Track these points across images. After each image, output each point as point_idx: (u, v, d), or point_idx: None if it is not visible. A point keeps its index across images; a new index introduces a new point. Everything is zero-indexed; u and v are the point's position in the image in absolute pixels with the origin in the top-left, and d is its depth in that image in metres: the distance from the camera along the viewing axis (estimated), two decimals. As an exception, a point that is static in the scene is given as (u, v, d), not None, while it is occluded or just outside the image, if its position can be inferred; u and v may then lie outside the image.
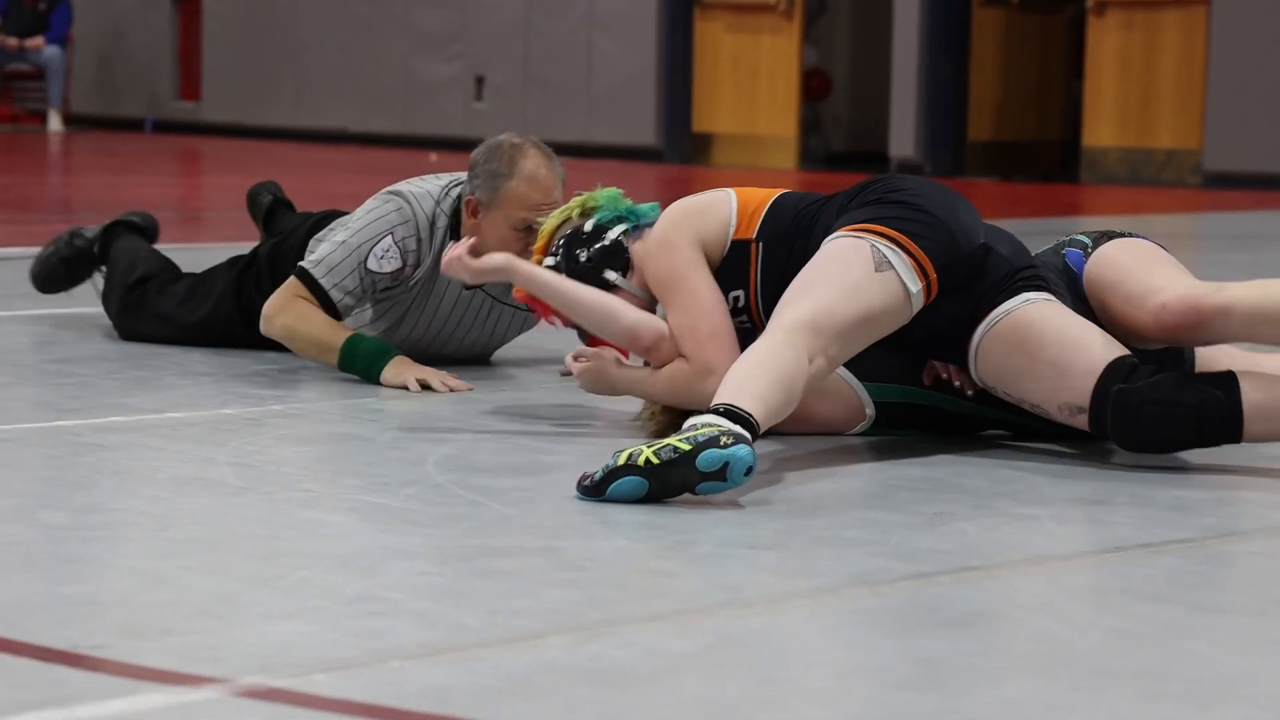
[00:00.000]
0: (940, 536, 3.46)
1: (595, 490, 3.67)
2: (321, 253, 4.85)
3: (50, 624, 2.78)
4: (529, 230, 4.77)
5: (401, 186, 4.93)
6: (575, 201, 4.43)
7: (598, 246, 4.32)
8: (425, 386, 4.73)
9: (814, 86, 17.27)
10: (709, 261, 4.24)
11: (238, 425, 4.34)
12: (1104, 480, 3.95)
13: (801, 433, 4.29)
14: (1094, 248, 4.35)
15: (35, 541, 3.25)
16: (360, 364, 4.75)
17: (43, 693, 2.49)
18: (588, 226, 4.37)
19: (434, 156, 16.07)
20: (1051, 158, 16.40)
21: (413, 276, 4.91)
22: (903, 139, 15.56)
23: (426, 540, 3.37)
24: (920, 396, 4.30)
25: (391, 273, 4.87)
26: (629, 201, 4.42)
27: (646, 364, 4.31)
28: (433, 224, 4.89)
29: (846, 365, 4.26)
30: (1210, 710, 2.53)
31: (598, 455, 4.10)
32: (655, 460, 3.64)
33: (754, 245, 4.24)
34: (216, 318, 5.24)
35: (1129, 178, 14.86)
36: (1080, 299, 4.29)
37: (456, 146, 17.21)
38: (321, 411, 4.51)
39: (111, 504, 3.57)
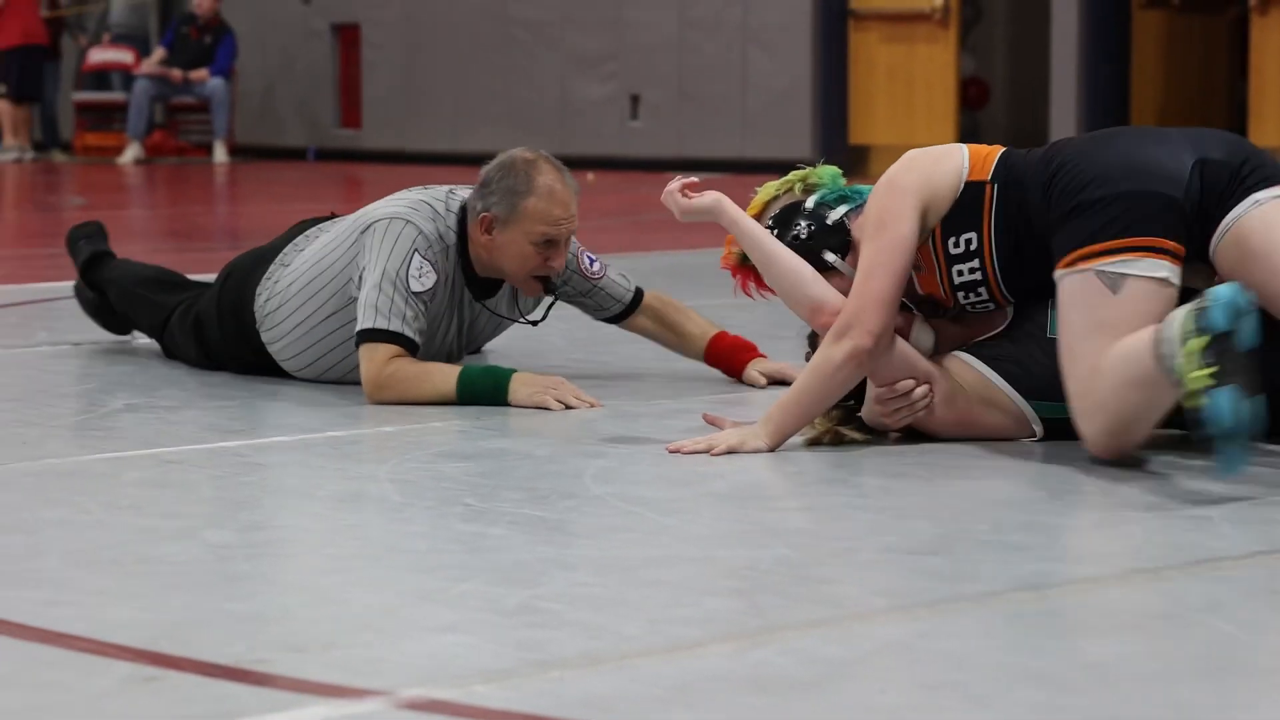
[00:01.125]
0: (1107, 539, 3.40)
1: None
2: (371, 301, 4.75)
3: (215, 640, 2.80)
4: (547, 244, 4.78)
5: (394, 211, 4.83)
6: (795, 175, 4.40)
7: (820, 223, 4.28)
8: (565, 405, 4.69)
9: (972, 95, 17.13)
10: (939, 206, 4.16)
11: (398, 442, 4.36)
12: (1275, 482, 3.85)
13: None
14: None
15: (200, 560, 3.28)
16: (485, 395, 4.69)
17: (208, 706, 2.51)
18: (810, 202, 4.33)
19: (591, 176, 16.12)
20: (1216, 160, 16.14)
21: (435, 289, 4.86)
22: (1063, 145, 15.39)
23: (586, 551, 3.37)
24: None
25: (431, 288, 4.80)
26: (846, 181, 4.39)
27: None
28: (443, 240, 4.85)
29: (1012, 383, 4.19)
30: (1390, 709, 2.46)
31: (754, 465, 4.08)
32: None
33: (989, 187, 4.17)
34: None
35: (1297, 178, 14.60)
36: None
37: (613, 165, 17.27)
38: (482, 428, 4.52)
39: (274, 521, 3.60)
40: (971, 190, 4.18)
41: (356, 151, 18.73)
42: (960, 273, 4.21)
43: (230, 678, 2.62)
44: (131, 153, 17.63)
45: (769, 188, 4.44)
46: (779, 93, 16.56)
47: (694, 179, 4.40)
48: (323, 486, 3.91)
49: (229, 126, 18.08)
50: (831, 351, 4.10)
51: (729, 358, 5.22)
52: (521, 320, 5.08)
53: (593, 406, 4.70)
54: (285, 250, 5.08)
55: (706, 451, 4.14)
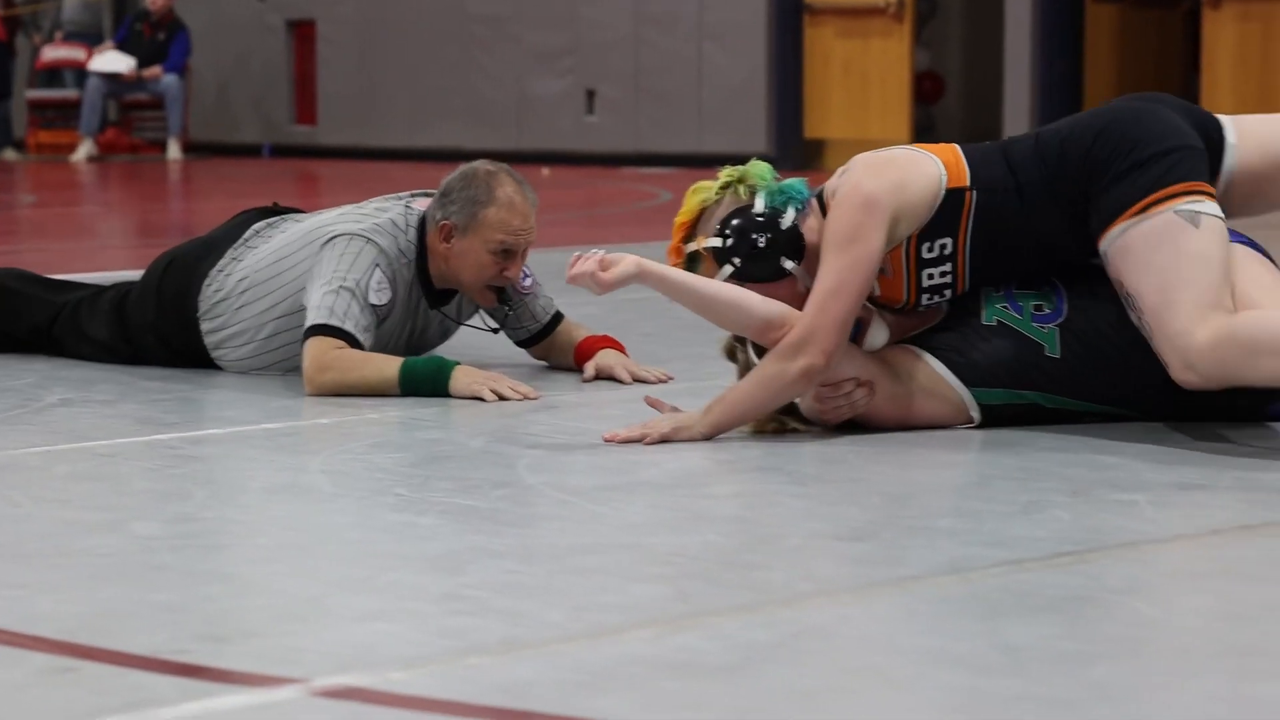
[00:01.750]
0: (1034, 524, 3.41)
1: None
2: (325, 304, 4.78)
3: (136, 631, 2.79)
4: (505, 254, 4.85)
5: (357, 228, 4.87)
6: (729, 174, 4.26)
7: (775, 231, 4.18)
8: (499, 396, 4.70)
9: (927, 89, 17.17)
10: (915, 216, 4.14)
11: (333, 434, 4.36)
12: (1208, 465, 3.88)
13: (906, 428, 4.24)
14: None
15: (126, 552, 3.27)
16: (425, 385, 4.71)
17: (123, 697, 2.50)
18: (759, 206, 4.20)
19: (546, 171, 16.11)
20: (1169, 153, 16.20)
21: (391, 305, 4.91)
22: (1017, 138, 15.43)
23: (514, 540, 3.37)
24: (1023, 398, 4.22)
25: (388, 303, 4.88)
26: (778, 177, 4.28)
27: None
28: (403, 255, 4.91)
29: (954, 370, 4.20)
30: (1302, 688, 2.48)
31: (688, 454, 4.08)
32: None
33: (969, 193, 4.17)
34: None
35: (1248, 170, 14.67)
36: None
37: (570, 160, 17.26)
38: (417, 419, 4.52)
39: (204, 513, 3.59)
40: (952, 197, 4.17)
41: (313, 148, 18.69)
42: (930, 276, 4.22)
43: (148, 668, 2.61)
44: (85, 150, 17.56)
45: (700, 192, 4.29)
46: (735, 88, 16.57)
47: (602, 254, 4.19)
48: (255, 478, 3.90)
49: (183, 123, 18.02)
50: (786, 367, 4.08)
51: (590, 347, 5.18)
52: (483, 328, 5.12)
53: (526, 398, 4.70)
54: (237, 245, 5.11)
55: (640, 440, 4.13)
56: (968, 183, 4.18)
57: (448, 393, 4.72)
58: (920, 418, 4.25)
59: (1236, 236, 4.23)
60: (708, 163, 16.70)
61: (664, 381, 5.00)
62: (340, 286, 4.80)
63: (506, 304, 5.05)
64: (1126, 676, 2.54)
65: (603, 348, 5.18)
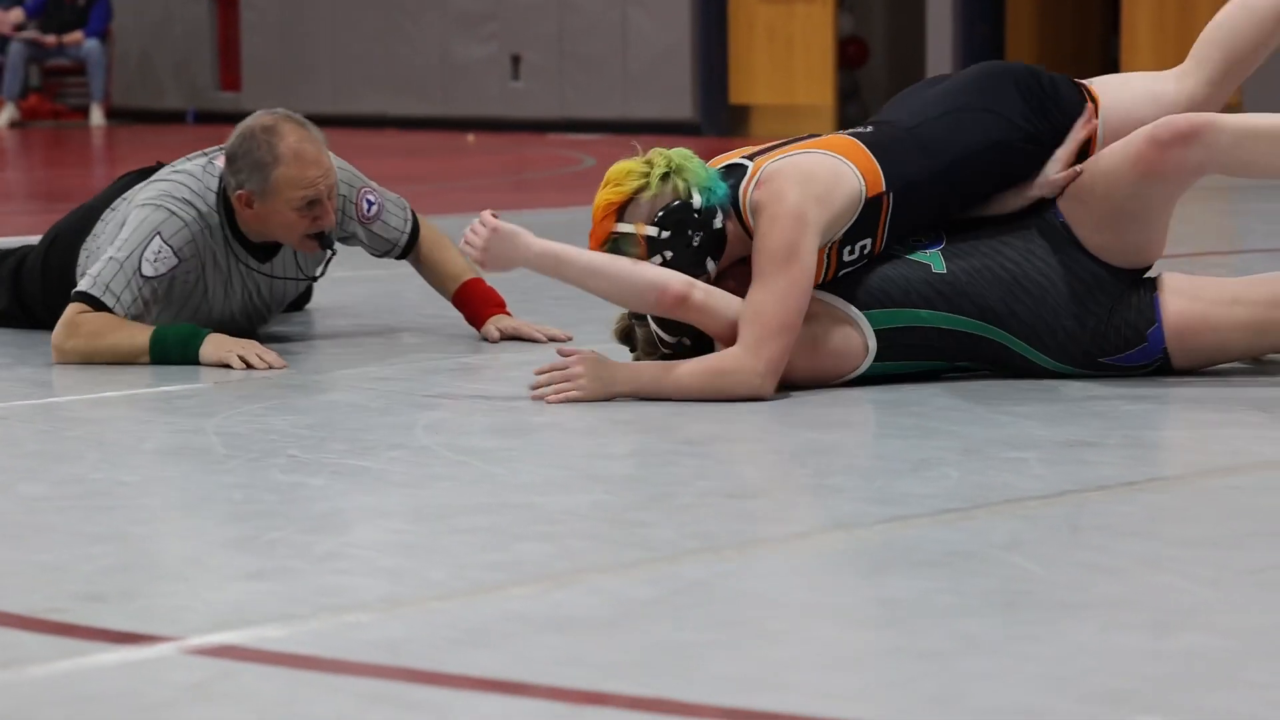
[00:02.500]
0: (924, 481, 3.43)
1: None
2: (94, 271, 4.67)
3: (14, 591, 2.77)
4: (310, 205, 4.66)
5: (152, 196, 4.74)
6: (664, 163, 4.20)
7: (709, 231, 4.18)
8: (247, 364, 4.57)
9: (851, 54, 17.18)
10: (837, 225, 4.19)
11: (230, 396, 4.34)
12: (1099, 423, 3.90)
13: (807, 376, 4.23)
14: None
15: (11, 513, 3.25)
16: (175, 352, 4.59)
17: (-4, 655, 2.49)
18: (697, 203, 4.19)
19: (471, 137, 16.06)
20: (1091, 117, 16.28)
21: (198, 273, 4.76)
22: (940, 103, 15.46)
23: (404, 500, 3.36)
24: (915, 317, 4.25)
25: (169, 272, 4.69)
26: (705, 168, 4.25)
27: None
28: (203, 220, 4.73)
29: (845, 296, 4.23)
30: (1168, 638, 2.50)
31: (589, 414, 4.08)
32: None
33: (885, 197, 4.25)
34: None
35: (1168, 134, 14.74)
36: (1043, 217, 4.32)
37: (496, 127, 17.22)
38: (317, 382, 4.51)
39: (93, 475, 3.57)
40: (871, 205, 4.24)
41: (237, 114, 18.53)
42: (846, 267, 4.29)
43: (22, 627, 2.60)
44: (6, 115, 17.41)
45: (633, 176, 4.21)
46: (660, 53, 16.56)
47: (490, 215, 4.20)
48: (147, 440, 3.88)
49: (106, 89, 17.88)
50: (743, 364, 4.10)
51: (474, 307, 5.13)
52: (303, 278, 4.98)
53: (271, 367, 4.55)
54: (104, 214, 4.99)
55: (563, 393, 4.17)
56: (884, 187, 4.25)
57: (197, 360, 4.58)
58: (822, 352, 4.23)
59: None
60: (634, 129, 16.68)
61: (569, 339, 4.98)
62: (110, 257, 4.66)
63: (330, 247, 4.84)
64: (999, 628, 2.56)
65: (491, 309, 5.10)
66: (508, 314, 5.14)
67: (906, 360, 4.28)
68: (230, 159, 4.68)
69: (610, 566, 2.90)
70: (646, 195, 4.21)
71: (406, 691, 2.36)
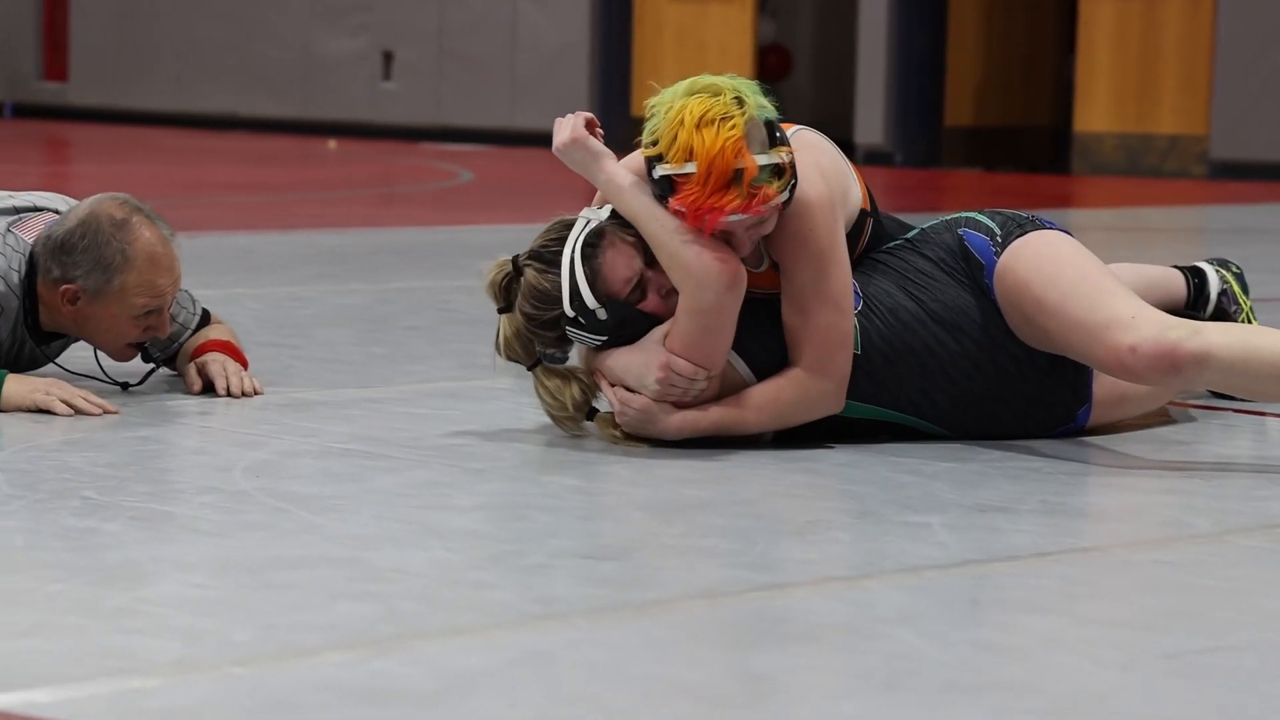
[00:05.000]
0: (809, 546, 3.46)
1: None
2: None
3: None
4: (149, 314, 4.60)
5: None
6: (726, 88, 4.10)
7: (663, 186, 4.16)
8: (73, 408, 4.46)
9: (771, 64, 17.30)
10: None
11: (24, 429, 4.32)
12: (1015, 485, 3.95)
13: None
14: (1003, 239, 4.36)
15: None
16: None
17: None
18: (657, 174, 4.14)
19: (333, 143, 16.07)
20: (1040, 145, 16.45)
21: None
22: (870, 124, 15.58)
23: (211, 551, 3.36)
24: None
25: None
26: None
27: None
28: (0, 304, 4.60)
29: (756, 372, 4.26)
30: (1065, 727, 2.53)
31: (433, 461, 4.09)
32: None
33: (869, 219, 4.38)
34: None
35: (1127, 167, 14.91)
36: (980, 291, 4.32)
37: (361, 132, 17.22)
38: (126, 413, 4.49)
39: None
40: (860, 220, 4.35)
41: (63, 108, 18.50)
42: None
43: None
44: None
45: (723, 105, 4.06)
46: (553, 54, 16.62)
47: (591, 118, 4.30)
48: (-81, 474, 3.86)
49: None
50: (814, 386, 4.19)
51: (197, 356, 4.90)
52: (107, 380, 4.82)
53: (107, 413, 4.48)
54: None
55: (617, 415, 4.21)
56: (869, 207, 4.38)
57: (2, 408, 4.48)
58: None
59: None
60: (521, 140, 16.74)
61: (254, 395, 4.76)
62: None
63: (151, 359, 4.79)
64: (877, 711, 2.58)
65: (214, 350, 4.86)
66: (235, 354, 4.89)
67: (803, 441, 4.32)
68: (64, 247, 4.56)
69: (440, 632, 2.91)
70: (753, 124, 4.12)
71: (190, 767, 2.36)
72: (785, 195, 4.09)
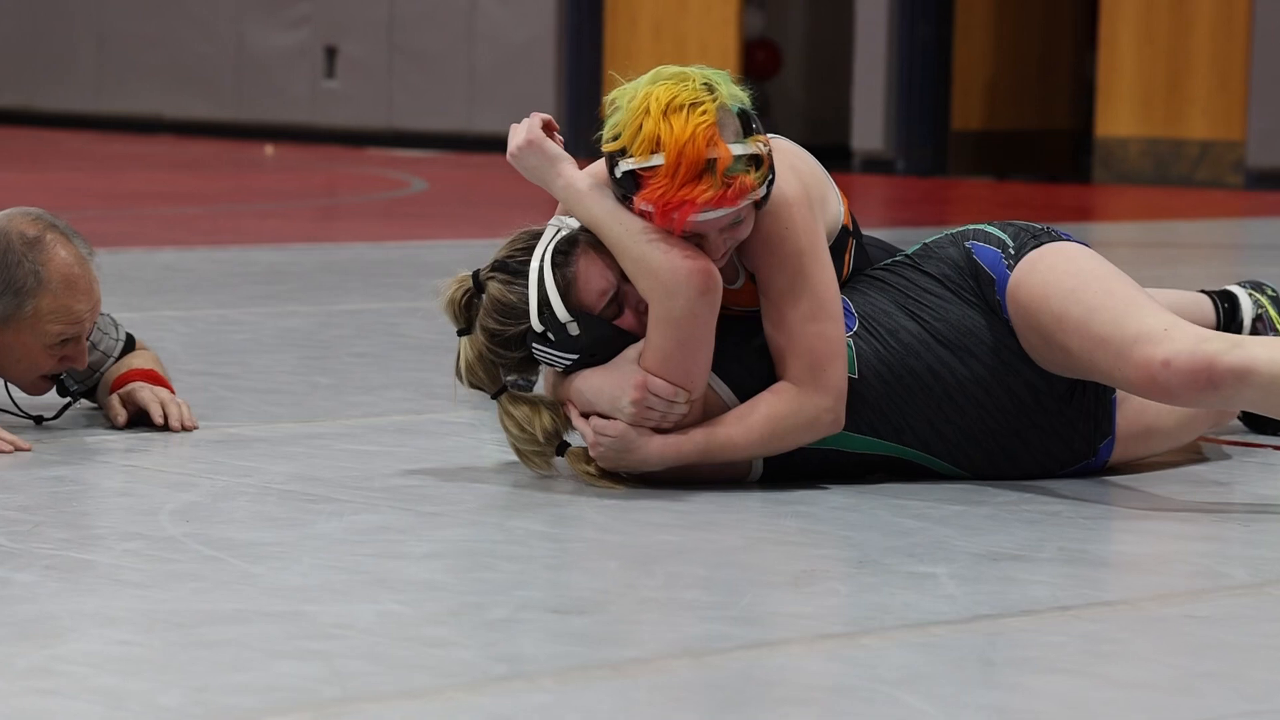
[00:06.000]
0: (803, 598, 3.46)
1: None
2: None
3: None
4: (65, 343, 4.61)
5: None
6: (695, 77, 4.13)
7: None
8: None
9: (759, 60, 17.36)
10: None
11: (-75, 466, 4.33)
12: (1031, 530, 3.96)
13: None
14: (1016, 252, 4.37)
15: None
16: None
17: None
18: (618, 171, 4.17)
19: (270, 150, 16.08)
20: (1058, 151, 16.51)
21: None
22: (868, 127, 15.63)
23: (136, 603, 3.36)
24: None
25: None
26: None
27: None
28: None
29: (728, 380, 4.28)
30: (1088, 801, 2.53)
31: (383, 504, 4.09)
32: None
33: (851, 240, 4.42)
34: None
35: (1154, 176, 14.97)
36: (991, 310, 4.33)
37: (301, 137, 17.24)
38: (39, 455, 4.50)
39: None
40: (842, 238, 4.37)
41: (-32, 110, 18.50)
42: None
43: None
44: None
45: (692, 91, 4.10)
46: (516, 49, 16.65)
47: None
48: None
49: None
50: (807, 403, 4.21)
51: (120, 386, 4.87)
52: (19, 414, 4.82)
53: (18, 450, 4.48)
54: None
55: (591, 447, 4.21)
56: (851, 226, 4.41)
57: None
58: (707, 467, 4.28)
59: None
60: (480, 145, 16.77)
61: (192, 429, 4.78)
62: None
63: (68, 393, 4.82)
64: (879, 785, 2.58)
65: (138, 380, 4.84)
66: (160, 382, 4.88)
67: (800, 475, 4.33)
68: None
69: (391, 695, 2.91)
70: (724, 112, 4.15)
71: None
72: (764, 190, 4.11)
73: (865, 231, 4.59)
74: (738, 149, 4.07)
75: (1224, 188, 14.72)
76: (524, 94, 16.36)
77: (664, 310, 4.13)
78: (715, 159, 4.05)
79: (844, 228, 4.38)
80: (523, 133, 4.27)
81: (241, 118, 17.40)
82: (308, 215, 12.09)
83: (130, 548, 3.72)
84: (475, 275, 4.29)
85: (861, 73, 15.67)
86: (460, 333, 4.30)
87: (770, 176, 4.12)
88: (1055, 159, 16.41)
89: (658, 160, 4.07)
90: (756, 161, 4.10)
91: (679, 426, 4.20)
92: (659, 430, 4.19)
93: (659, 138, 4.07)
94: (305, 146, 16.91)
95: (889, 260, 4.49)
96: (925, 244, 4.51)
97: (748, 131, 4.11)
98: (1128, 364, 4.18)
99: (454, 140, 16.67)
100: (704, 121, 4.06)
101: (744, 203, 4.09)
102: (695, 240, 4.13)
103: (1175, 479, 4.48)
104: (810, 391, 4.21)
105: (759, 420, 4.21)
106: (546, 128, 4.30)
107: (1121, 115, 15.09)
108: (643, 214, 4.13)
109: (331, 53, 17.23)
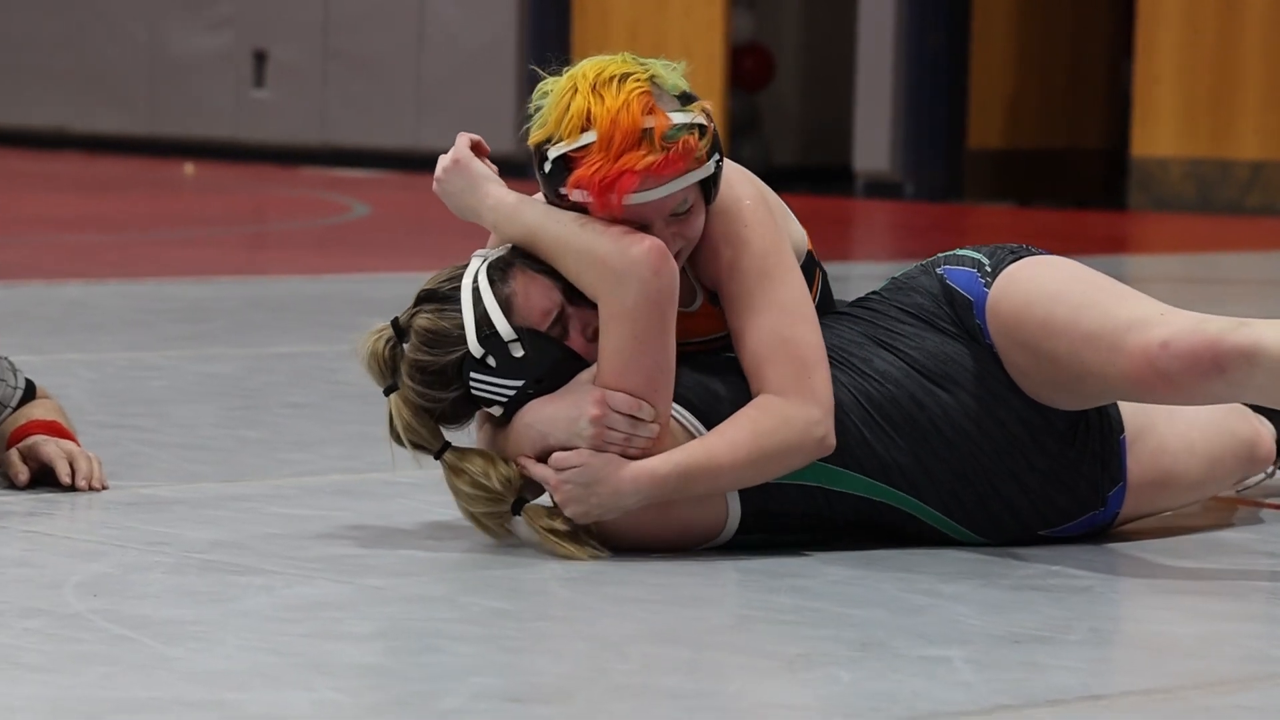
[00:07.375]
0: (800, 686, 3.47)
1: None
2: None
3: None
4: None
5: None
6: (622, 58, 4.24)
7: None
8: None
9: (748, 68, 17.40)
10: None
11: None
12: (1057, 608, 3.98)
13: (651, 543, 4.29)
14: (993, 269, 4.40)
15: None
16: None
17: None
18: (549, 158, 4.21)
19: (190, 169, 16.10)
20: (1089, 174, 16.55)
21: None
22: (873, 145, 15.67)
23: (37, 690, 3.36)
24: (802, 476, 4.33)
25: None
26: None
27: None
28: None
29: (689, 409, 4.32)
30: None
31: (319, 576, 4.10)
32: None
33: (818, 270, 4.46)
34: None
35: (1198, 202, 15.02)
36: (971, 337, 4.36)
37: (226, 154, 17.25)
38: (-73, 514, 4.51)
39: None
40: (809, 264, 4.41)
41: None
42: None
43: None
44: None
45: (621, 63, 4.20)
46: (470, 55, 16.69)
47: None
48: None
49: None
50: (794, 414, 4.23)
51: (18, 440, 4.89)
52: None
53: None
54: None
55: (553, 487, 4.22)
56: (816, 257, 4.48)
57: None
58: (670, 517, 4.28)
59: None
60: (427, 164, 16.66)
61: (98, 490, 4.78)
62: None
63: None
64: None
65: (39, 433, 4.85)
66: (64, 434, 4.90)
67: (779, 533, 4.34)
68: None
69: (330, 796, 2.93)
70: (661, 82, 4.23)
71: None
72: (711, 163, 4.17)
73: (855, 264, 4.66)
74: (678, 117, 4.14)
75: (1277, 215, 14.77)
76: (480, 105, 16.38)
77: (616, 303, 4.15)
78: (652, 127, 4.11)
79: (809, 253, 4.43)
80: (449, 155, 4.31)
81: (157, 131, 17.42)
82: (233, 244, 12.11)
83: (30, 626, 3.72)
84: (395, 323, 4.30)
85: (865, 82, 15.70)
86: (388, 391, 4.31)
87: (718, 155, 4.17)
88: (1085, 182, 16.46)
89: (589, 138, 4.11)
90: (700, 131, 4.15)
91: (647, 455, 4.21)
92: (627, 457, 4.19)
93: (589, 112, 4.13)
94: (230, 165, 16.93)
95: (854, 300, 4.54)
96: (894, 279, 4.56)
97: (686, 102, 4.18)
98: (1121, 355, 4.21)
99: (399, 158, 16.68)
100: (638, 88, 4.14)
101: (690, 173, 4.13)
102: (639, 229, 4.16)
103: (1218, 548, 4.49)
104: (796, 400, 4.23)
105: (744, 437, 4.23)
106: (475, 149, 4.32)
107: (1161, 133, 15.14)
108: (578, 206, 4.15)
109: (260, 58, 17.26)
